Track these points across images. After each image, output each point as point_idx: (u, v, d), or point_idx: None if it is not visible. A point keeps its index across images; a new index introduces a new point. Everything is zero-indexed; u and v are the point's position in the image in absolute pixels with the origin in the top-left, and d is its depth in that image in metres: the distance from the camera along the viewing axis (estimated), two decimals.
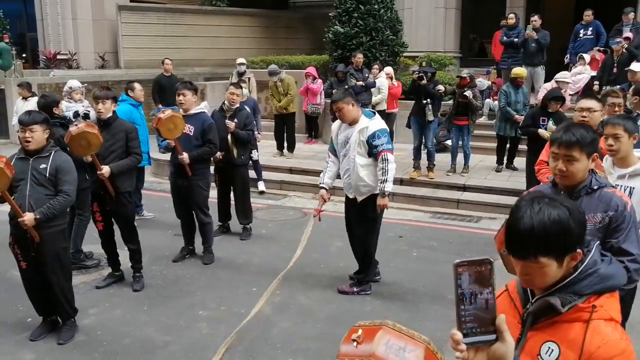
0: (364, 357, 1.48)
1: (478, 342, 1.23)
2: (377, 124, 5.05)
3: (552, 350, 1.54)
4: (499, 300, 1.75)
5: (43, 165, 4.28)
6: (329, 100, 10.77)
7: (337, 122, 5.28)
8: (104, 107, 5.22)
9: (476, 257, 1.25)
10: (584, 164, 2.58)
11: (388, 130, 5.20)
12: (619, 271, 1.61)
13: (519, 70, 9.14)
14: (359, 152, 5.04)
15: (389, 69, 10.77)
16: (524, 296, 1.66)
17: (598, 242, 1.64)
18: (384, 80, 10.23)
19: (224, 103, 6.79)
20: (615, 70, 9.64)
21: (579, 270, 1.55)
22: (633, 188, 3.16)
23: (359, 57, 10.61)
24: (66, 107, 6.41)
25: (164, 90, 11.28)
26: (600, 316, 1.52)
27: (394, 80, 10.62)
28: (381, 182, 4.98)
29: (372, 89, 10.09)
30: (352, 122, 5.08)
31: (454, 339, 1.26)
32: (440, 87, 8.70)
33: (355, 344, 1.53)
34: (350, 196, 5.28)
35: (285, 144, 10.86)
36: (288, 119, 10.81)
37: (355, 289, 5.35)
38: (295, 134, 11.07)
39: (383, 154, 4.93)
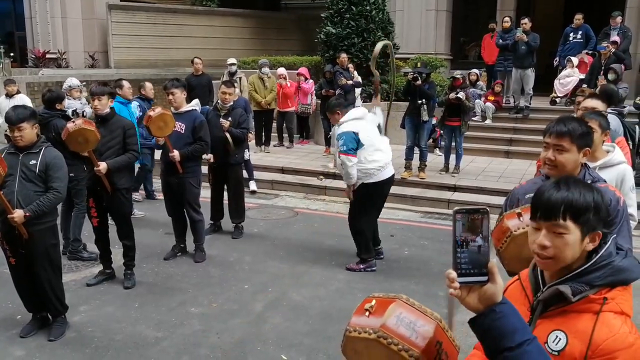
0: (374, 328, 1.48)
1: (471, 282, 1.33)
2: (343, 127, 5.54)
3: (560, 339, 1.53)
4: (511, 289, 1.75)
5: (33, 162, 4.22)
6: (320, 101, 10.87)
7: None
8: (100, 103, 5.19)
9: (474, 206, 1.34)
10: (574, 156, 2.59)
11: (354, 133, 5.48)
12: (634, 265, 1.59)
13: None
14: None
15: (282, 70, 11.28)
16: (535, 284, 1.66)
17: (615, 235, 1.61)
18: (358, 79, 10.77)
19: (217, 102, 6.76)
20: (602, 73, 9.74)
21: (592, 261, 1.54)
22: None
23: (343, 57, 10.72)
24: (66, 105, 6.40)
25: (193, 90, 10.20)
26: (610, 309, 1.51)
27: (287, 80, 11.13)
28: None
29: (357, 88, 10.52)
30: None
31: (449, 277, 1.34)
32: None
33: (367, 313, 1.53)
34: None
35: (263, 139, 11.24)
36: (268, 115, 11.17)
37: (361, 266, 5.82)
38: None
39: (340, 155, 5.54)
